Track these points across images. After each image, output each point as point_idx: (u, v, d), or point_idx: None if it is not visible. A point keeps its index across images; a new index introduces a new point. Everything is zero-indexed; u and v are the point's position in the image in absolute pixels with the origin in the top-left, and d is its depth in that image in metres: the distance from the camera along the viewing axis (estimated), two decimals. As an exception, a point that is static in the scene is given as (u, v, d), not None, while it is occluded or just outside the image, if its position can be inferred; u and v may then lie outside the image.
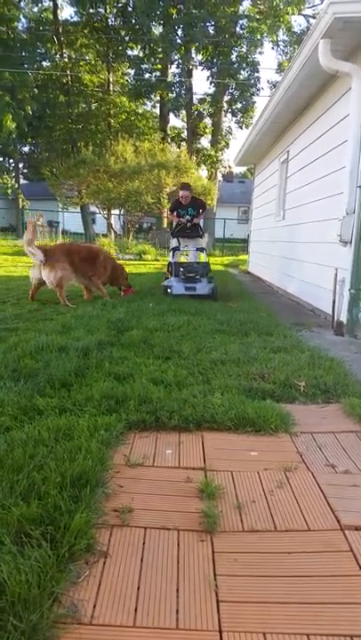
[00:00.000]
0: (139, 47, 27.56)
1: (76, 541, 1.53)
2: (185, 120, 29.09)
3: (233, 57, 26.41)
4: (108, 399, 2.69)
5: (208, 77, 26.75)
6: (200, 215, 8.02)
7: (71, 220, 29.02)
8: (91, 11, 26.74)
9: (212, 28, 25.60)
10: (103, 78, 29.60)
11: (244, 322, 5.07)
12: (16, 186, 30.69)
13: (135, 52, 28.52)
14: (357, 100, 4.98)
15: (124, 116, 30.98)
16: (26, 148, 36.37)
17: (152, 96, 28.92)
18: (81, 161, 19.69)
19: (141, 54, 27.62)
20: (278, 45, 27.52)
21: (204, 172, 27.82)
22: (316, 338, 4.87)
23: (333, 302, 5.41)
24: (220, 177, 30.86)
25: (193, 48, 25.85)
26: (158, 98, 28.40)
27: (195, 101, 28.11)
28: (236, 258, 20.19)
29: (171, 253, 8.03)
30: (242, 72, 26.75)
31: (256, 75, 26.74)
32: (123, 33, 27.77)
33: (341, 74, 5.22)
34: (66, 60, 28.39)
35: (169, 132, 29.44)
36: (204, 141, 30.18)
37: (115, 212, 24.33)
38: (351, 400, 2.90)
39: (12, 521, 1.57)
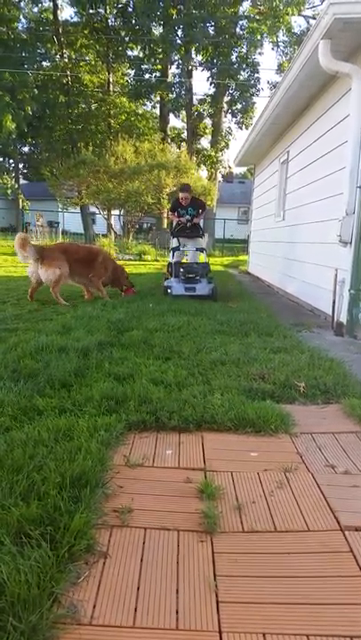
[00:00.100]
0: (139, 48, 27.56)
1: (75, 542, 1.53)
2: (185, 120, 29.11)
3: (233, 57, 26.43)
4: (108, 399, 2.69)
5: (208, 78, 26.78)
6: (200, 215, 8.03)
7: (71, 221, 29.01)
8: (91, 11, 26.72)
9: (212, 28, 25.60)
10: (103, 79, 29.60)
11: (244, 322, 5.07)
12: (16, 186, 30.66)
13: (135, 53, 28.57)
14: (357, 101, 4.99)
15: (124, 117, 30.98)
16: (26, 149, 36.43)
17: (152, 96, 28.94)
18: (81, 161, 19.68)
19: (141, 55, 27.63)
20: (278, 46, 27.57)
21: (204, 172, 27.84)
22: (315, 338, 4.87)
23: (333, 303, 5.41)
24: (220, 177, 30.86)
25: (193, 48, 25.85)
26: (158, 98, 28.41)
27: (195, 102, 28.13)
28: (236, 258, 20.20)
29: (171, 253, 8.03)
30: (242, 73, 26.78)
31: (256, 75, 26.79)
32: (123, 33, 27.77)
33: (341, 74, 5.22)
34: (66, 60, 28.39)
35: (169, 133, 29.44)
36: (204, 142, 30.24)
37: (115, 212, 24.31)
38: (351, 401, 2.90)
39: (12, 521, 1.57)
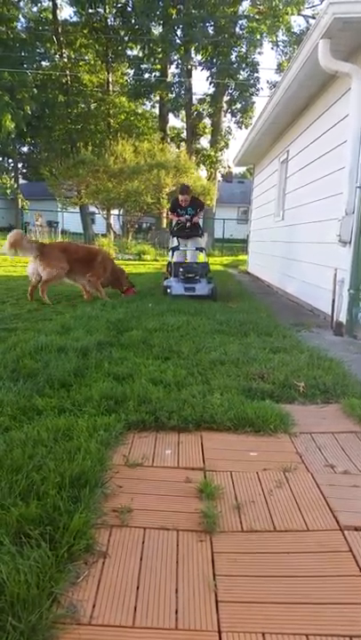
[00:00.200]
0: (138, 47, 27.55)
1: (75, 542, 1.53)
2: (184, 120, 29.10)
3: (232, 57, 26.41)
4: (108, 399, 2.69)
5: (208, 77, 26.76)
6: (198, 214, 8.05)
7: (70, 220, 29.01)
8: (90, 11, 26.73)
9: (212, 28, 25.59)
10: (102, 78, 29.60)
11: (244, 322, 5.07)
12: (15, 186, 30.66)
13: (135, 52, 28.55)
14: (357, 101, 4.99)
15: (123, 116, 30.98)
16: (25, 148, 36.42)
17: (151, 96, 28.94)
18: (80, 161, 19.68)
19: (141, 54, 27.61)
20: (278, 46, 27.58)
21: (203, 172, 27.83)
22: (315, 338, 4.87)
23: (333, 302, 5.42)
24: (219, 177, 30.85)
25: (192, 48, 25.84)
26: (158, 98, 28.40)
27: (194, 101, 28.11)
28: (236, 258, 20.20)
29: (170, 253, 8.03)
30: (241, 72, 26.75)
31: (256, 75, 26.79)
32: (122, 33, 27.76)
33: (341, 74, 5.22)
34: (65, 59, 28.38)
35: (168, 132, 29.42)
36: (204, 141, 30.22)
37: (114, 212, 24.31)
38: (351, 400, 2.90)
39: (12, 521, 1.57)
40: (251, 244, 13.85)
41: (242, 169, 30.05)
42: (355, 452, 2.37)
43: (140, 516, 1.77)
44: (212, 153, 28.04)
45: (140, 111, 31.81)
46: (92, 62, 29.89)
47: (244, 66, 26.60)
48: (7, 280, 9.03)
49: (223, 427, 2.54)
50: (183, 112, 28.28)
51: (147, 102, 30.75)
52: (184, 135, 30.04)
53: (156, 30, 26.50)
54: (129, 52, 28.98)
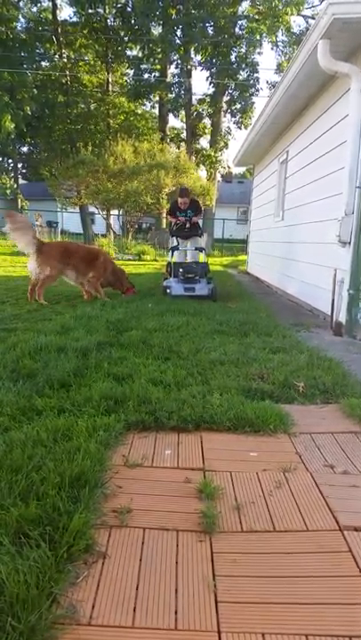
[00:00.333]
0: (138, 47, 27.54)
1: (74, 542, 1.53)
2: (184, 120, 29.09)
3: (232, 57, 26.41)
4: (107, 399, 2.69)
5: (207, 78, 26.76)
6: (197, 216, 8.07)
7: (70, 221, 29.02)
8: (90, 11, 26.73)
9: (212, 28, 25.60)
10: (102, 78, 29.61)
11: (244, 322, 5.07)
12: (15, 186, 30.64)
13: (134, 53, 28.54)
14: (357, 101, 4.99)
15: (123, 117, 30.99)
16: (25, 149, 36.40)
17: (151, 96, 28.91)
18: (80, 161, 19.68)
19: (140, 55, 27.60)
20: (277, 46, 27.54)
21: (203, 172, 27.83)
22: (315, 338, 4.87)
23: (332, 303, 5.42)
24: (219, 177, 30.87)
25: (192, 48, 25.85)
26: (157, 98, 28.39)
27: (194, 102, 28.11)
28: (236, 258, 20.20)
29: (170, 253, 8.03)
30: (241, 72, 26.76)
31: (255, 75, 26.75)
32: (122, 33, 27.76)
33: (340, 74, 5.22)
34: (65, 60, 28.38)
35: (168, 133, 29.41)
36: (204, 142, 30.22)
37: (114, 212, 24.32)
38: (350, 400, 2.90)
39: (11, 521, 1.57)
40: (250, 244, 13.85)
41: (242, 169, 30.08)
42: (354, 452, 2.37)
43: (140, 517, 1.77)
44: (212, 153, 28.04)
45: (139, 111, 31.81)
46: (92, 62, 29.90)
47: (243, 66, 26.61)
48: (7, 280, 9.03)
49: (223, 427, 2.54)
50: (183, 112, 28.28)
51: (146, 102, 30.77)
52: (184, 135, 30.04)
53: (156, 30, 26.52)
54: (129, 53, 29.01)
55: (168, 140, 27.44)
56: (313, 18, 22.92)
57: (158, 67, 27.50)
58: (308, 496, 1.95)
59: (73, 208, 26.23)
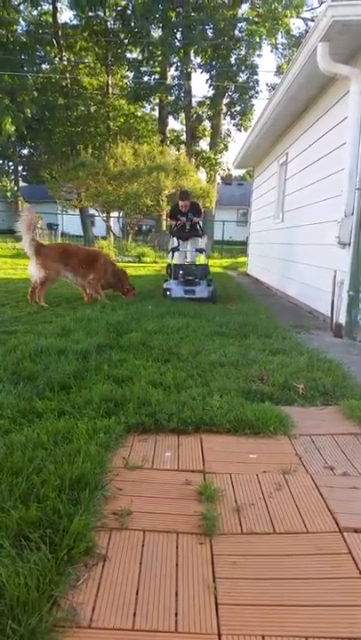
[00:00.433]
0: (138, 50, 27.57)
1: (75, 544, 1.53)
2: (184, 123, 29.11)
3: (232, 60, 26.45)
4: (108, 402, 2.69)
5: (207, 80, 26.80)
6: (197, 218, 8.08)
7: (70, 223, 29.03)
8: (90, 14, 26.77)
9: (211, 30, 25.65)
10: (102, 81, 29.66)
11: (243, 324, 5.07)
12: (15, 188, 30.70)
13: (134, 55, 28.56)
14: (356, 103, 5.00)
15: (123, 119, 31.04)
16: (25, 151, 36.47)
17: (151, 99, 28.95)
18: (80, 164, 19.72)
19: (140, 57, 27.63)
20: (277, 48, 27.59)
21: (203, 174, 27.85)
22: (314, 340, 4.87)
23: (332, 304, 5.42)
24: (218, 179, 30.89)
25: (192, 51, 25.88)
26: (157, 101, 28.43)
27: (194, 104, 28.14)
28: (235, 260, 20.22)
29: (170, 254, 8.04)
30: (241, 75, 26.79)
31: (255, 77, 26.76)
32: (122, 36, 27.80)
33: (340, 77, 5.23)
34: (65, 62, 28.44)
35: (168, 135, 29.43)
36: (203, 144, 30.25)
37: (114, 214, 24.35)
38: (350, 402, 2.90)
39: (11, 524, 1.57)
40: (250, 246, 13.86)
41: (241, 171, 30.11)
42: (354, 453, 2.37)
43: (140, 519, 1.77)
44: (212, 155, 28.06)
45: (139, 114, 31.86)
46: (92, 65, 29.95)
47: (243, 68, 26.64)
48: (7, 283, 9.04)
49: (223, 429, 2.55)
50: (183, 115, 28.31)
51: (146, 105, 30.81)
52: (183, 138, 30.06)
53: (156, 33, 26.57)
54: (129, 55, 29.03)
55: (168, 143, 27.48)
56: (312, 20, 22.99)
57: (158, 69, 27.53)
58: (308, 498, 1.96)
59: (73, 210, 26.24)
